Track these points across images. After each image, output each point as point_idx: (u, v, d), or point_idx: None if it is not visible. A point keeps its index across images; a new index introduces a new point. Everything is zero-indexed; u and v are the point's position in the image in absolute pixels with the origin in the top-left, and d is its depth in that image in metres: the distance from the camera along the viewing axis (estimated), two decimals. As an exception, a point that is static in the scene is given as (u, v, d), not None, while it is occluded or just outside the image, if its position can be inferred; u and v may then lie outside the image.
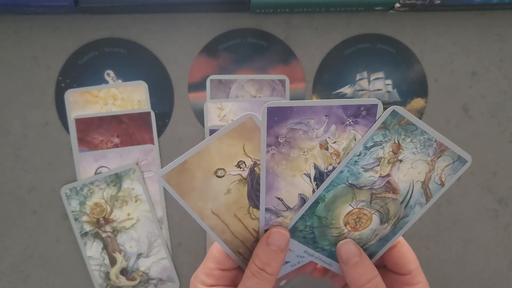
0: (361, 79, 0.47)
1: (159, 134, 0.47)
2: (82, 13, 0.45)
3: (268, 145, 0.31)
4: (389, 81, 0.47)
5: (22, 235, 0.47)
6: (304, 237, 0.34)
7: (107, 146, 0.46)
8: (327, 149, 0.32)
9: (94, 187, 0.46)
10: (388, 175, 0.32)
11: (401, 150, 0.32)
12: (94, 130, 0.46)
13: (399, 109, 0.31)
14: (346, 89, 0.47)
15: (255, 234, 0.34)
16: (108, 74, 0.46)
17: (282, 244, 0.33)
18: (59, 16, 0.46)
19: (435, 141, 0.32)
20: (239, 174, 0.32)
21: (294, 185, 0.32)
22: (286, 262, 0.35)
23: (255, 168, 0.32)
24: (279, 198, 0.33)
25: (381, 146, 0.32)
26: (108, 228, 0.46)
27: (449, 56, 0.47)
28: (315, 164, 0.32)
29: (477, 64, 0.47)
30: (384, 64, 0.47)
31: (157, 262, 0.46)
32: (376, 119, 0.31)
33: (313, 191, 0.33)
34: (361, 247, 0.34)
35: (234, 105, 0.46)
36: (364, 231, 0.34)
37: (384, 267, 0.37)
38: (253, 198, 0.33)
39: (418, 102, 0.47)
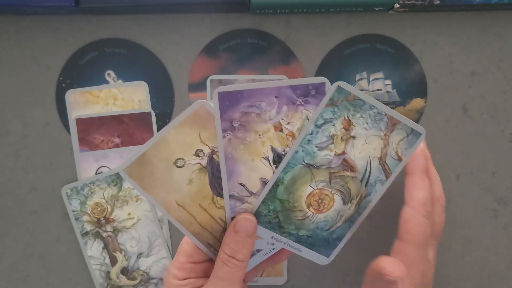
0: (361, 79, 0.47)
1: (159, 134, 0.47)
2: (82, 13, 0.45)
3: (224, 130, 0.32)
4: (388, 81, 0.47)
5: (23, 235, 0.47)
6: (269, 222, 0.34)
7: (108, 146, 0.46)
8: (281, 130, 0.32)
9: (94, 187, 0.46)
10: (344, 152, 0.33)
11: (352, 126, 0.32)
12: (94, 130, 0.46)
13: (344, 84, 0.31)
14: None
15: (223, 223, 0.34)
16: (108, 74, 0.46)
17: (250, 230, 0.33)
18: (59, 16, 0.46)
19: (385, 115, 0.32)
20: (199, 163, 0.33)
21: (254, 170, 0.33)
22: (258, 251, 0.35)
23: (213, 155, 0.33)
24: (241, 184, 0.33)
25: (332, 123, 0.32)
26: (108, 227, 0.46)
27: (449, 56, 0.47)
28: (272, 147, 0.32)
29: (476, 64, 0.47)
30: (384, 65, 0.47)
31: (157, 262, 0.46)
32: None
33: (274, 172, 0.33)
34: (328, 229, 0.34)
35: (234, 105, 0.46)
36: (328, 213, 0.34)
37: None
38: (216, 187, 0.33)
39: (417, 102, 0.47)
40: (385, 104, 0.46)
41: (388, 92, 0.47)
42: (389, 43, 0.47)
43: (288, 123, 0.32)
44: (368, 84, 0.47)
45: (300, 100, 0.32)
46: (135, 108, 0.46)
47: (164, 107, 0.47)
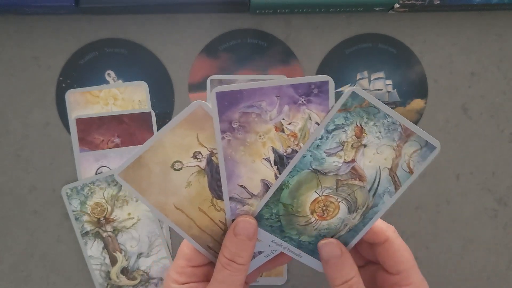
0: (362, 78, 0.47)
1: (159, 134, 0.47)
2: (82, 13, 0.45)
3: (223, 131, 0.31)
4: (389, 81, 0.47)
5: (23, 234, 0.47)
6: (271, 226, 0.33)
7: (108, 146, 0.46)
8: (283, 131, 0.31)
9: (94, 186, 0.46)
10: (353, 160, 0.31)
11: (364, 134, 0.31)
12: (94, 130, 0.46)
13: (358, 90, 0.30)
14: (346, 88, 0.47)
15: (223, 226, 0.33)
16: (108, 74, 0.46)
17: (250, 233, 0.32)
18: (59, 16, 0.46)
19: (400, 125, 0.31)
20: (197, 165, 0.32)
21: (255, 171, 0.32)
22: (259, 253, 0.34)
23: (212, 157, 0.32)
24: (242, 186, 0.32)
25: (343, 130, 0.31)
26: (108, 227, 0.46)
27: (449, 57, 0.47)
28: (273, 148, 0.31)
29: (476, 64, 0.47)
30: (385, 64, 0.47)
31: (157, 262, 0.46)
32: (329, 96, 0.30)
33: (275, 176, 0.32)
34: (330, 237, 0.33)
35: (234, 105, 0.46)
36: (332, 221, 0.33)
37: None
38: (215, 189, 0.32)
39: (417, 103, 0.47)
40: (385, 104, 0.46)
41: (388, 92, 0.47)
42: (390, 43, 0.47)
43: (290, 123, 0.31)
44: (369, 83, 0.47)
45: (302, 100, 0.30)
46: (135, 108, 0.46)
47: (164, 107, 0.47)
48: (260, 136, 0.31)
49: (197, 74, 0.47)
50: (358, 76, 0.47)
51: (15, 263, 0.47)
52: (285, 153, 0.31)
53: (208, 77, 0.46)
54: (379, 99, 0.31)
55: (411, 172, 0.32)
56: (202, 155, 0.31)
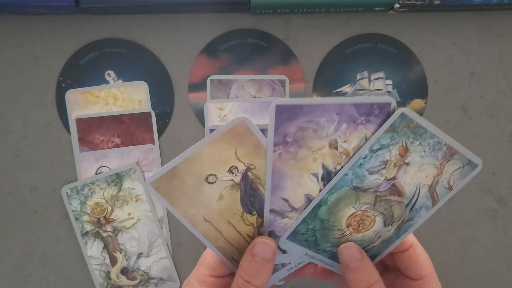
0: (362, 78, 0.47)
1: (159, 134, 0.47)
2: (82, 13, 0.45)
3: (275, 144, 0.30)
4: (389, 81, 0.47)
5: (23, 234, 0.47)
6: (306, 240, 0.33)
7: (108, 146, 0.46)
8: (336, 148, 0.30)
9: (94, 186, 0.46)
10: (394, 178, 0.31)
11: (408, 153, 0.30)
12: (94, 130, 0.46)
13: (408, 111, 0.29)
14: (347, 88, 0.47)
15: (250, 240, 0.33)
16: (108, 74, 0.46)
17: (268, 255, 0.31)
18: (60, 16, 0.46)
19: (445, 144, 0.30)
20: (232, 180, 0.31)
21: (301, 185, 0.31)
22: (282, 266, 0.34)
23: (248, 173, 0.31)
24: (284, 199, 0.31)
25: (388, 149, 0.30)
26: (108, 227, 0.46)
27: (449, 57, 0.47)
28: (323, 164, 0.31)
29: (476, 64, 0.47)
30: (385, 64, 0.47)
31: (157, 262, 0.47)
32: (388, 118, 0.30)
33: (320, 191, 0.31)
34: (363, 248, 0.33)
35: (234, 105, 0.46)
36: (366, 233, 0.33)
37: (398, 269, 0.36)
38: (247, 204, 0.32)
39: (417, 103, 0.47)
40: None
41: (388, 92, 0.47)
42: (390, 43, 0.47)
43: (345, 141, 0.30)
44: (369, 83, 0.47)
45: (362, 119, 0.30)
46: (135, 108, 0.46)
47: (164, 107, 0.47)
48: (313, 152, 0.30)
49: (197, 74, 0.47)
50: (358, 76, 0.47)
51: (15, 263, 0.47)
52: (334, 170, 0.31)
53: (208, 77, 0.46)
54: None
55: (450, 188, 0.32)
56: (238, 170, 0.31)
